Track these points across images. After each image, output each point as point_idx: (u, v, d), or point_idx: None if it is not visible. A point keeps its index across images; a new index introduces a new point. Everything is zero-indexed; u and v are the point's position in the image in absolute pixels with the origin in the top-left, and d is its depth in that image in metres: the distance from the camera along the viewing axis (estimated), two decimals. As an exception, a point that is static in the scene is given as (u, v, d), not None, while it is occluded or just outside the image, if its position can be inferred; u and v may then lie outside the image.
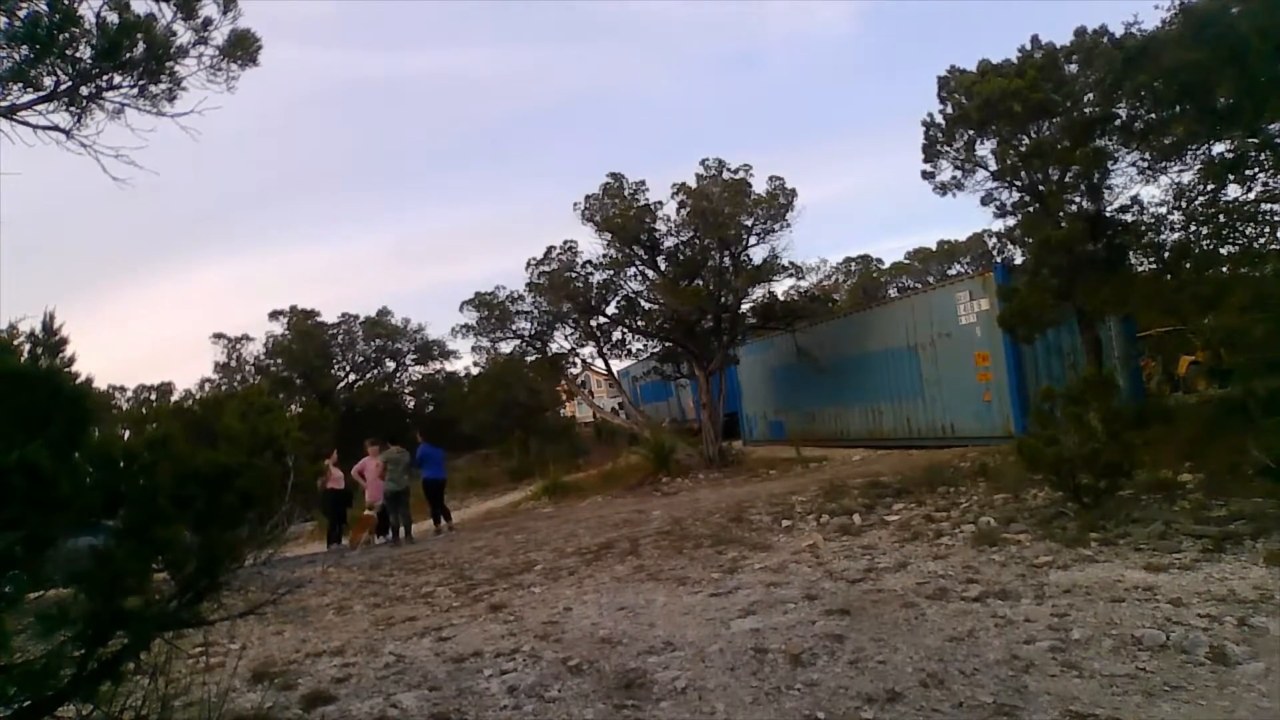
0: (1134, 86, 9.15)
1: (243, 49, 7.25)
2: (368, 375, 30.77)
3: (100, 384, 26.54)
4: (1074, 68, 10.43)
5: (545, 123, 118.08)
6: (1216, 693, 3.22)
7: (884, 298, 24.90)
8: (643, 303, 16.93)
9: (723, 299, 15.45)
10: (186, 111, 7.16)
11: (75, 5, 6.54)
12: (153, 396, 31.84)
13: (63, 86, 6.84)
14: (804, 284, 16.86)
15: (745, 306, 16.38)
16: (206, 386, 29.20)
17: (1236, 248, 9.34)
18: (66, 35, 6.56)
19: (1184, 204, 9.46)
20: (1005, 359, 11.96)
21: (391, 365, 31.32)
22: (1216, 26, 7.86)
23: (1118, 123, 9.89)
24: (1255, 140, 8.55)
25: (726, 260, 15.43)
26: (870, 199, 78.45)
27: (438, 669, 4.53)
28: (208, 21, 7.13)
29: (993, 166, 11.21)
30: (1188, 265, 9.27)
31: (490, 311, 18.78)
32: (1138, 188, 10.15)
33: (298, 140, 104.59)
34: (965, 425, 12.88)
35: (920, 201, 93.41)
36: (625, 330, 17.88)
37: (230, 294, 70.63)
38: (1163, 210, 9.70)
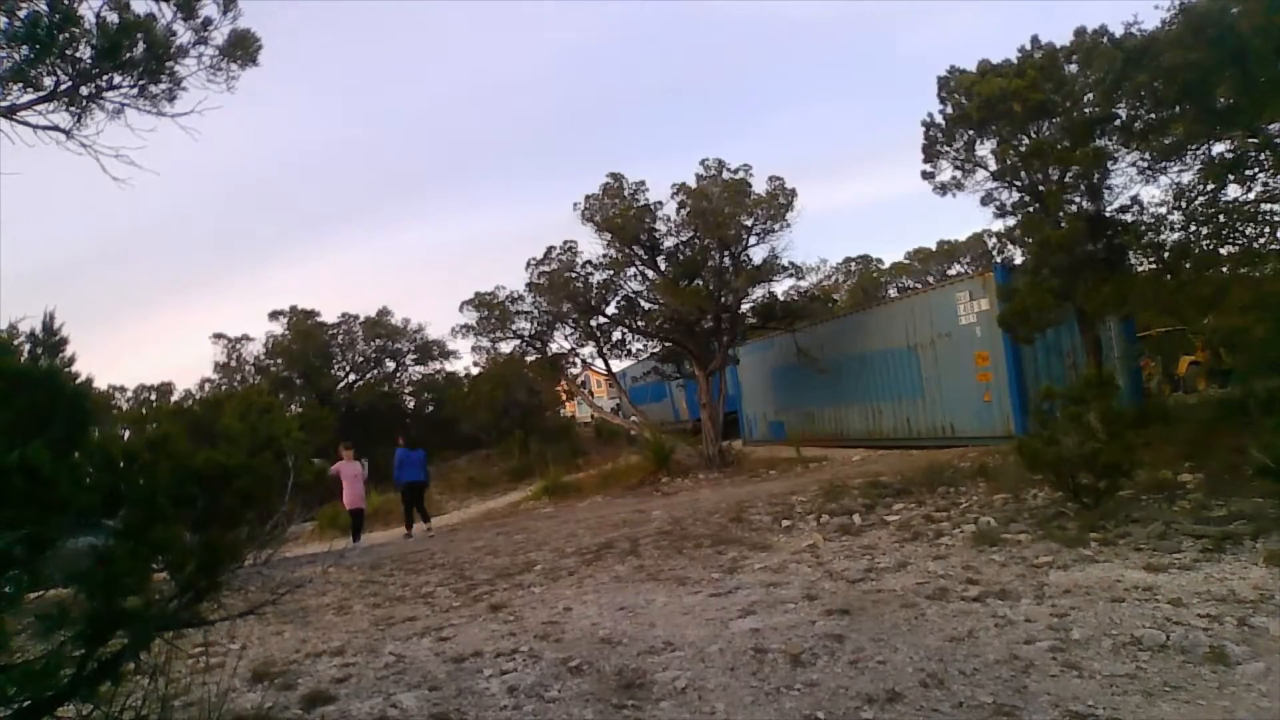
0: (1134, 86, 9.15)
1: (243, 49, 7.25)
2: (368, 375, 30.68)
3: (100, 384, 26.60)
4: (1074, 68, 10.43)
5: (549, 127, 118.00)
6: (1216, 693, 3.22)
7: (884, 298, 24.92)
8: (643, 303, 16.90)
9: (723, 299, 15.44)
10: (186, 111, 7.17)
11: (75, 5, 6.55)
12: (153, 396, 31.77)
13: (63, 86, 6.84)
14: (804, 284, 16.85)
15: (745, 306, 16.36)
16: (206, 386, 29.17)
17: (1236, 248, 9.35)
18: (66, 35, 6.56)
19: (1184, 204, 9.45)
20: (1005, 359, 11.96)
21: (391, 365, 31.26)
22: (1216, 26, 7.86)
23: (1118, 123, 9.89)
24: (1255, 140, 8.55)
25: (726, 260, 15.42)
26: (870, 198, 78.36)
27: (438, 669, 4.53)
28: (208, 21, 7.13)
29: (993, 166, 11.21)
30: (1188, 265, 9.26)
31: (490, 311, 18.71)
32: (1138, 188, 10.17)
33: (298, 139, 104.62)
34: (965, 425, 12.88)
35: (921, 201, 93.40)
36: (625, 330, 17.86)
37: (230, 294, 70.68)
38: (1163, 210, 9.71)
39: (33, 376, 2.57)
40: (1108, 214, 10.36)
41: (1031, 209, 10.90)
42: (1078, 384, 7.15)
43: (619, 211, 15.44)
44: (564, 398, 27.54)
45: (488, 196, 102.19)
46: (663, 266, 16.03)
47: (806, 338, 16.39)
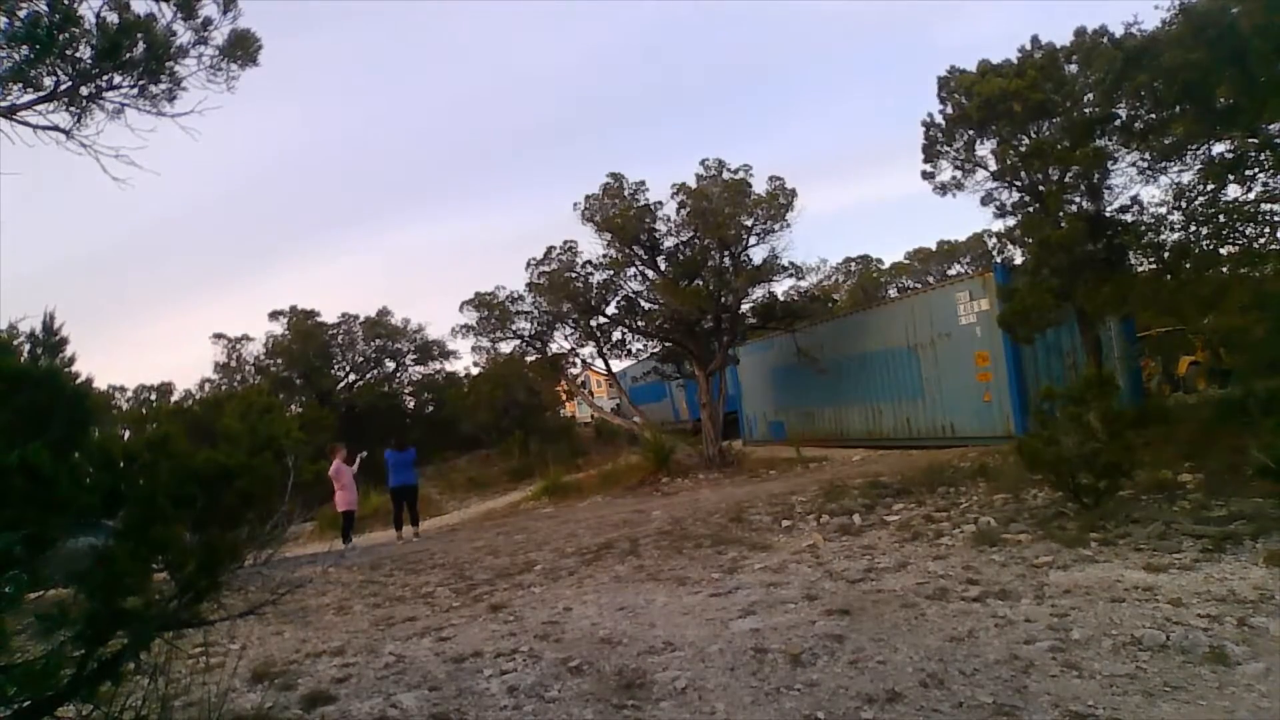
0: (1134, 86, 9.15)
1: (243, 49, 7.23)
2: (368, 375, 30.65)
3: (100, 384, 26.58)
4: (1074, 68, 10.43)
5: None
6: (1216, 693, 3.22)
7: (884, 298, 24.92)
8: (643, 303, 16.91)
9: (723, 299, 15.44)
10: (186, 111, 7.15)
11: (75, 5, 6.54)
12: (153, 396, 31.76)
13: (63, 86, 6.82)
14: (804, 284, 16.86)
15: (745, 306, 16.37)
16: (206, 387, 29.15)
17: (1236, 248, 9.35)
18: (66, 35, 6.55)
19: (1184, 204, 9.45)
20: (1005, 359, 11.96)
21: (391, 365, 31.24)
22: (1216, 26, 7.86)
23: (1118, 123, 9.89)
24: (1255, 140, 8.55)
25: (726, 260, 15.42)
26: (871, 198, 78.37)
27: (438, 669, 4.53)
28: (208, 21, 7.11)
29: (993, 166, 11.21)
30: (1188, 265, 9.26)
31: (490, 311, 18.73)
32: (1138, 188, 10.17)
33: (298, 138, 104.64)
34: (965, 425, 12.88)
35: (921, 201, 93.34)
36: (625, 330, 17.86)
37: (230, 294, 70.68)
38: (1163, 210, 9.70)
39: (33, 376, 2.57)
40: (1108, 214, 10.36)
41: (1031, 209, 10.90)
42: (1078, 384, 7.15)
43: (619, 211, 15.44)
44: (564, 398, 27.54)
45: (488, 197, 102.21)
46: (663, 266, 16.03)
47: (806, 338, 16.39)
